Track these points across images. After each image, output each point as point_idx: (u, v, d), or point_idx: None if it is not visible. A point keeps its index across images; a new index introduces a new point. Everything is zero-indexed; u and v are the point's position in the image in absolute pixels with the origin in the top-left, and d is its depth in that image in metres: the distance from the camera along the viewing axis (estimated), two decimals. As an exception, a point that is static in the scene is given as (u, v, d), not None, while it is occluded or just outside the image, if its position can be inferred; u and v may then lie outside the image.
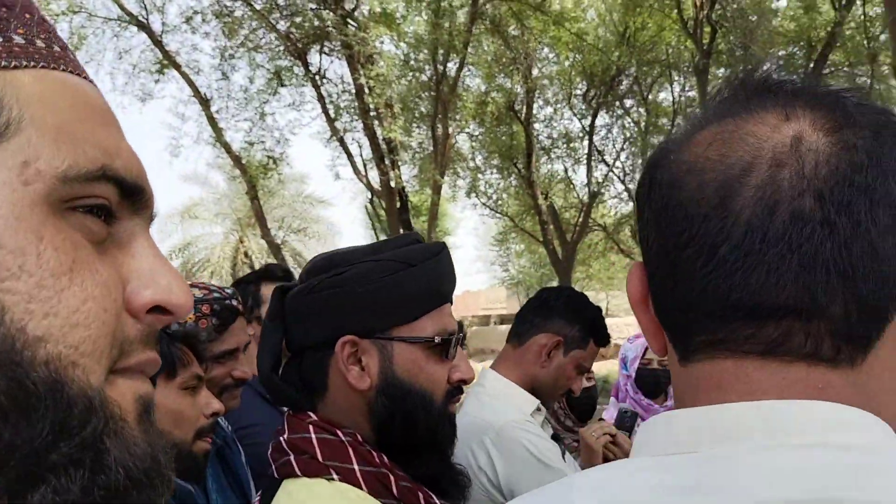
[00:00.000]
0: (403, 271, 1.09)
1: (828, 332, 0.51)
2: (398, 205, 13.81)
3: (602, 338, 1.99)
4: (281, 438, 1.08)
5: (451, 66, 13.32)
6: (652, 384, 2.93)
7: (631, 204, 16.41)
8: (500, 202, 18.64)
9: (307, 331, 1.10)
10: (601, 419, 2.48)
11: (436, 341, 1.10)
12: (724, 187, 0.53)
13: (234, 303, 1.90)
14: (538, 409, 1.86)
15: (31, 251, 0.39)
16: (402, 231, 13.74)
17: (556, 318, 1.93)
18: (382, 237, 15.77)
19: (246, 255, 25.08)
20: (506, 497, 1.67)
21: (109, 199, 0.43)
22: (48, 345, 0.39)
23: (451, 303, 1.18)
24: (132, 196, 0.45)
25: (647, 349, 2.98)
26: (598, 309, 2.02)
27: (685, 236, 0.54)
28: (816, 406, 0.51)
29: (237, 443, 2.00)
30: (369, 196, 15.12)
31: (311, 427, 1.07)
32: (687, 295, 0.55)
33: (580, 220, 16.06)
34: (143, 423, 0.45)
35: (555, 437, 1.91)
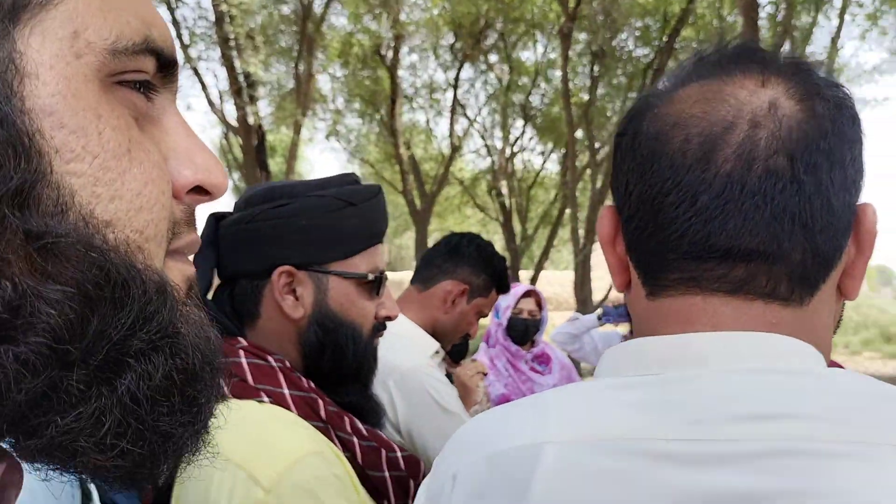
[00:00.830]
0: (346, 209, 1.12)
1: (785, 275, 0.60)
2: (255, 142, 13.28)
3: (504, 287, 2.04)
4: None
5: (318, 2, 12.89)
6: (521, 332, 3.07)
7: (488, 160, 16.75)
8: (360, 148, 18.43)
9: (243, 259, 1.12)
10: (473, 359, 2.55)
11: (369, 278, 1.15)
12: (707, 142, 0.60)
13: None
14: (436, 352, 1.89)
15: (91, 131, 0.37)
16: (258, 170, 13.29)
17: (464, 266, 1.94)
18: (236, 175, 15.19)
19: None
20: (403, 437, 1.71)
21: (149, 73, 0.42)
22: (116, 230, 0.38)
23: (382, 243, 1.23)
24: (167, 68, 0.43)
25: (518, 300, 3.09)
26: (504, 259, 2.04)
27: (669, 184, 0.61)
28: (768, 338, 0.60)
29: None
30: (224, 131, 14.43)
31: (241, 352, 1.08)
32: (667, 238, 0.62)
33: (440, 172, 16.18)
34: (196, 305, 0.45)
35: (448, 377, 1.96)
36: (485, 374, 2.35)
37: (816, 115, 0.60)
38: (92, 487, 1.33)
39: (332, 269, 1.13)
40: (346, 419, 1.10)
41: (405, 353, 1.77)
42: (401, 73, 15.40)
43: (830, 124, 0.59)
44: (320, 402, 1.07)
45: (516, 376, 3.07)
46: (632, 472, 0.56)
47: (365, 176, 20.97)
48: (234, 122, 13.39)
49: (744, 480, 0.53)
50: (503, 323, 3.11)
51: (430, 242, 11.63)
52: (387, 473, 1.11)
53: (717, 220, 0.59)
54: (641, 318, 0.68)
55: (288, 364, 1.10)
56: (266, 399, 1.03)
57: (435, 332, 1.93)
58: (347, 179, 1.19)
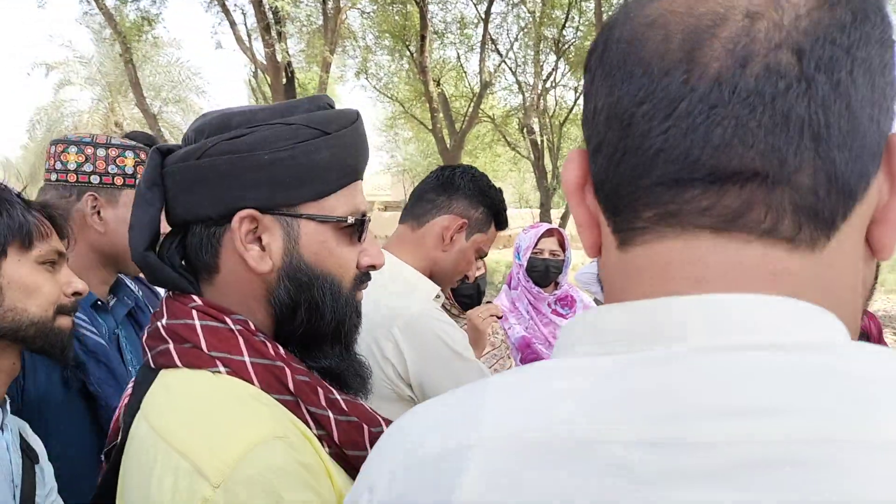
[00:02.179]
0: (317, 139, 0.94)
1: (791, 205, 0.46)
2: (284, 81, 13.18)
3: (503, 222, 1.89)
4: (159, 324, 0.94)
5: (346, -65, 12.56)
6: (542, 273, 3.01)
7: (520, 96, 16.44)
8: (390, 86, 18.22)
9: (196, 202, 0.93)
10: (488, 302, 2.52)
11: (348, 221, 0.97)
12: (690, 39, 0.47)
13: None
14: (437, 296, 1.74)
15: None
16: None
17: (460, 199, 1.78)
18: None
19: (117, 124, 23.47)
20: (413, 389, 1.57)
21: None
22: None
23: (363, 180, 1.04)
24: None
25: (539, 239, 3.03)
26: (501, 191, 1.89)
27: (642, 93, 0.48)
28: (767, 302, 0.45)
29: (149, 307, 1.93)
30: (253, 70, 14.34)
31: (194, 312, 0.92)
32: (639, 160, 0.49)
33: (470, 109, 15.95)
34: None
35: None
36: (499, 318, 2.31)
37: (832, 2, 0.46)
38: (39, 448, 1.36)
39: (303, 211, 0.94)
40: (321, 390, 0.94)
41: (408, 297, 1.62)
42: (431, 7, 15.06)
43: (851, 15, 0.46)
44: (288, 371, 0.92)
45: (538, 319, 3.02)
46: (575, 490, 0.43)
47: (395, 114, 20.80)
48: (262, 61, 13.29)
49: (724, 498, 0.39)
50: (523, 264, 3.03)
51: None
52: (369, 452, 0.96)
53: (700, 130, 0.46)
54: (611, 278, 0.55)
55: (253, 326, 0.94)
56: (222, 369, 0.88)
57: (433, 274, 1.78)
58: (318, 103, 1.00)
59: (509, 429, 0.48)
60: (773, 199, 0.46)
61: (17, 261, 1.28)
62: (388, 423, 1.01)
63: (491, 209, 1.83)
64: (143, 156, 1.75)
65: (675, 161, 0.47)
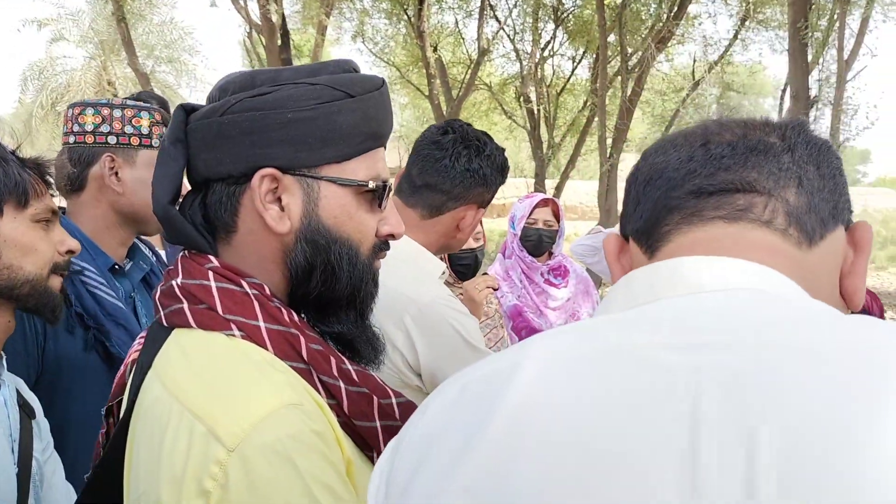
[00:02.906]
0: (341, 100, 0.94)
1: (784, 209, 0.66)
2: (279, 42, 13.02)
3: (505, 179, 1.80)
4: (174, 282, 0.94)
5: None
6: (535, 242, 3.03)
7: (517, 64, 16.31)
8: (386, 51, 18.00)
9: (218, 159, 0.93)
10: (485, 273, 2.53)
11: (370, 186, 0.97)
12: (706, 133, 0.72)
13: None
14: (442, 273, 1.70)
15: None
16: (282, 71, 13.06)
17: (477, 187, 1.66)
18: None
19: (109, 83, 23.17)
20: (424, 380, 1.52)
21: None
22: None
23: (385, 148, 1.05)
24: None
25: (533, 209, 3.05)
26: (504, 151, 1.78)
27: (673, 157, 0.71)
28: (748, 264, 0.63)
29: (163, 272, 1.93)
30: (247, 30, 14.15)
31: (210, 273, 0.93)
32: (673, 183, 0.70)
33: (467, 77, 15.81)
34: None
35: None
36: (495, 289, 2.33)
37: (806, 130, 0.72)
38: (35, 404, 1.38)
39: (324, 173, 0.95)
40: (333, 360, 0.95)
41: (419, 282, 1.55)
42: (429, -29, 14.85)
43: (807, 128, 0.72)
44: (302, 338, 0.92)
45: (531, 288, 3.05)
46: (619, 358, 0.56)
47: (391, 79, 20.61)
48: (257, 21, 13.11)
49: (734, 359, 0.53)
50: (517, 234, 3.06)
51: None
52: (378, 423, 0.96)
53: (716, 160, 0.68)
54: (640, 282, 0.70)
55: (268, 291, 0.95)
56: (237, 333, 0.89)
57: (439, 251, 1.73)
58: (344, 66, 1.00)
59: (554, 350, 0.61)
60: (769, 203, 0.66)
61: (14, 219, 1.28)
62: (399, 395, 1.02)
63: (502, 180, 1.74)
64: (157, 116, 1.78)
65: (699, 177, 0.68)
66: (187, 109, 0.97)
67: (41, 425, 1.38)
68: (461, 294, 2.42)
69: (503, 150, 1.76)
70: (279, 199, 0.94)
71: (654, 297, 0.63)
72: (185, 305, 0.91)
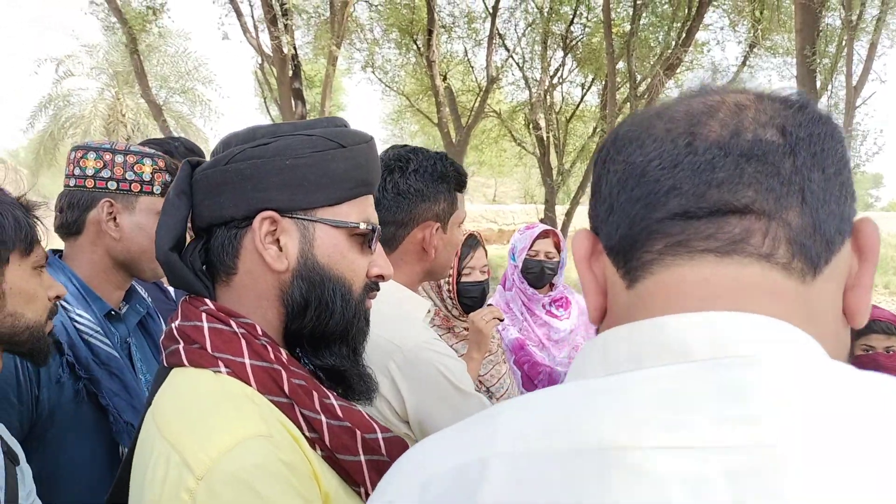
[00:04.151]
0: (335, 150, 1.03)
1: (786, 237, 0.54)
2: (290, 73, 13.17)
3: (463, 184, 1.72)
4: (173, 325, 1.03)
5: (354, -73, 12.52)
6: (537, 274, 3.00)
7: (526, 92, 16.40)
8: (396, 80, 18.17)
9: (221, 204, 1.01)
10: (489, 304, 2.50)
11: (361, 227, 1.05)
12: (690, 121, 0.58)
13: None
14: (427, 312, 1.65)
15: None
16: (293, 101, 13.21)
17: (418, 206, 1.61)
18: (273, 106, 15.13)
19: (122, 114, 23.46)
20: (412, 426, 1.48)
21: None
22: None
23: (374, 196, 1.13)
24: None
25: (534, 241, 3.03)
26: (444, 155, 1.70)
27: (653, 153, 0.58)
28: (743, 322, 0.52)
29: (158, 314, 1.99)
30: (259, 61, 14.32)
31: (203, 315, 1.00)
32: (652, 199, 0.57)
33: (476, 104, 15.91)
34: None
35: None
36: (501, 320, 2.31)
37: (803, 105, 0.58)
38: (18, 450, 1.37)
39: (319, 216, 1.02)
40: (316, 394, 0.99)
41: (402, 325, 1.51)
42: (438, 1, 15.02)
43: (818, 115, 0.58)
44: (284, 374, 0.97)
45: (532, 320, 3.01)
46: (596, 467, 0.48)
47: (401, 108, 20.76)
48: (269, 52, 13.27)
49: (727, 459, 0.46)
50: (518, 265, 3.02)
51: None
52: (362, 457, 0.99)
53: (705, 173, 0.55)
54: (619, 317, 0.60)
55: (259, 329, 1.00)
56: (223, 369, 0.95)
57: (429, 275, 1.68)
58: (336, 122, 1.09)
59: (525, 440, 0.52)
60: (769, 230, 0.54)
61: (18, 266, 1.29)
62: (385, 430, 1.06)
63: (450, 187, 1.66)
64: (160, 163, 1.77)
65: (685, 195, 0.56)
66: (193, 164, 1.06)
67: (24, 471, 1.37)
68: (466, 329, 2.39)
69: (441, 155, 1.68)
70: (277, 241, 1.01)
71: (636, 363, 0.53)
72: (181, 346, 0.98)
